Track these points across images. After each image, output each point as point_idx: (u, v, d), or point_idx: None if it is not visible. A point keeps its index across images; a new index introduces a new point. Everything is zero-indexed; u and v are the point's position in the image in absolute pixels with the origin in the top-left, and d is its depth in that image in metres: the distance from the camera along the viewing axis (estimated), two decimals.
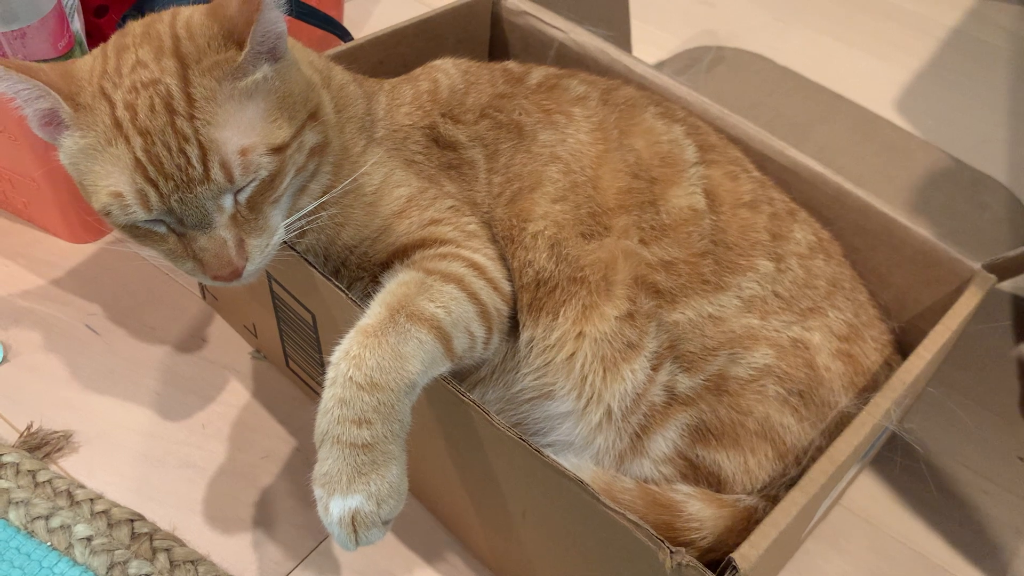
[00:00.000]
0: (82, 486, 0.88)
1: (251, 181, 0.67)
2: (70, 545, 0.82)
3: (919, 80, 1.65)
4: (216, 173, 0.64)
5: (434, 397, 0.73)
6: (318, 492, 0.64)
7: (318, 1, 1.21)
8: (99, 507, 0.85)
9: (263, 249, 0.69)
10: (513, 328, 0.81)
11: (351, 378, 0.64)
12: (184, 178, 0.64)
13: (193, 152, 0.64)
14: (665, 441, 0.77)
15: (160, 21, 0.69)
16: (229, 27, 0.66)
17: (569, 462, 0.72)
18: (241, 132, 0.65)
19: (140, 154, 0.64)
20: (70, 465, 0.91)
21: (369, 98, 0.85)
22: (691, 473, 0.77)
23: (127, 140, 0.64)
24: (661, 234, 0.82)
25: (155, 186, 0.64)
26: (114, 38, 0.70)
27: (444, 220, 0.79)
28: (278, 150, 0.67)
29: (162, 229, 0.68)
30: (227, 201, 0.67)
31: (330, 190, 0.76)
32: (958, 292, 0.85)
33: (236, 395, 1.00)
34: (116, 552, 0.82)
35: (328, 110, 0.76)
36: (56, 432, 0.93)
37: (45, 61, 0.90)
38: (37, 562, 0.81)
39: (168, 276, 1.12)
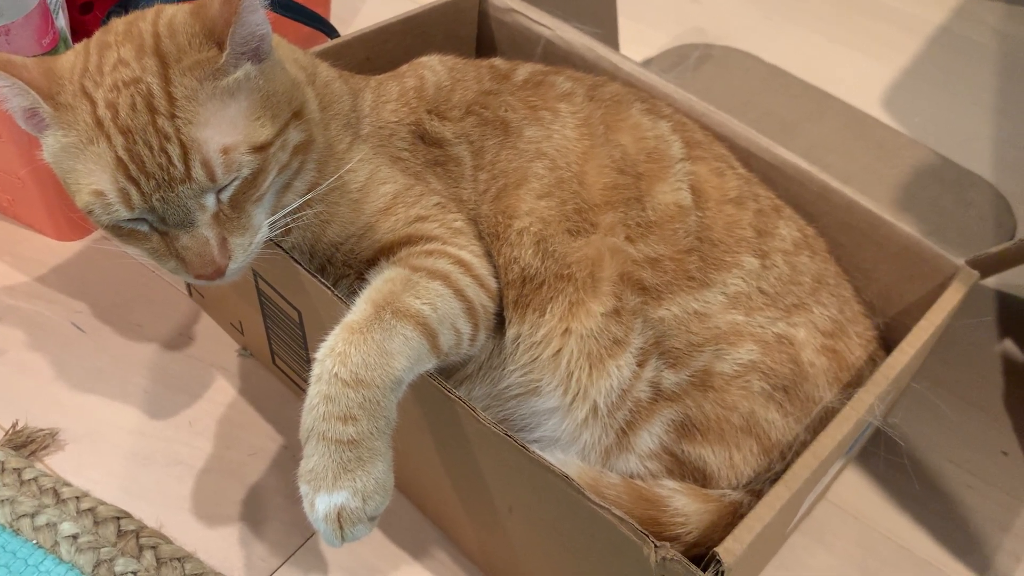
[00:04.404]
0: (68, 484, 0.87)
1: (233, 180, 0.66)
2: (56, 543, 0.82)
3: (907, 78, 1.65)
4: (197, 172, 0.64)
5: (420, 393, 0.73)
6: (304, 488, 0.64)
7: None
8: (85, 505, 0.85)
9: (246, 248, 0.69)
10: (499, 325, 0.81)
11: (336, 374, 0.64)
12: (165, 177, 0.64)
13: (174, 151, 0.64)
14: (651, 436, 0.77)
15: (143, 19, 0.69)
16: (210, 27, 0.66)
17: (555, 458, 0.73)
18: (223, 131, 0.65)
19: (121, 153, 0.64)
20: (56, 463, 0.91)
21: (355, 95, 0.85)
22: (677, 468, 0.77)
23: (108, 139, 0.64)
24: (647, 231, 0.82)
25: (137, 185, 0.64)
26: (97, 35, 0.70)
27: (430, 217, 0.80)
28: (261, 149, 0.67)
29: (145, 228, 0.68)
30: (209, 200, 0.67)
31: (315, 187, 0.76)
32: (942, 288, 0.86)
33: (223, 392, 1.00)
34: (102, 550, 0.82)
35: (313, 108, 0.76)
36: (42, 430, 0.93)
37: None
38: (23, 560, 0.81)
39: (154, 274, 1.11)
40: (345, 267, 0.80)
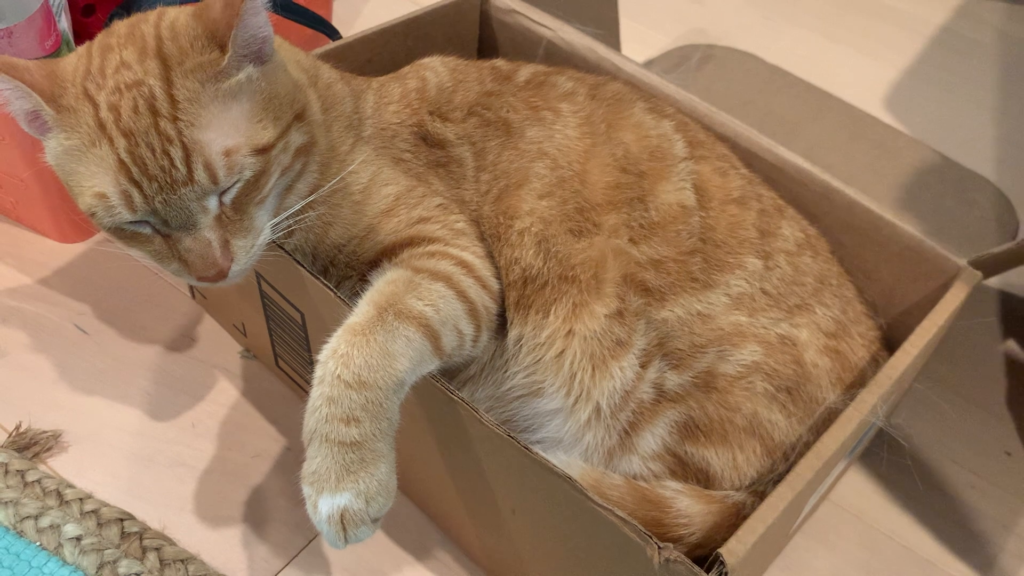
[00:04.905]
0: (71, 485, 0.87)
1: (235, 182, 0.67)
2: (59, 545, 0.82)
3: (908, 78, 1.65)
4: (200, 174, 0.64)
5: (423, 395, 0.73)
6: (307, 490, 0.64)
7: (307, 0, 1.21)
8: (88, 506, 0.85)
9: (248, 250, 0.69)
10: (502, 326, 0.81)
11: (339, 376, 0.64)
12: (168, 179, 0.64)
13: (176, 153, 0.64)
14: (654, 438, 0.77)
15: (145, 22, 0.69)
16: (212, 29, 0.66)
17: (558, 459, 0.73)
18: (225, 133, 0.65)
19: (124, 155, 0.64)
20: (59, 465, 0.91)
21: (357, 96, 0.85)
22: (680, 470, 0.77)
23: (111, 141, 0.64)
24: (650, 232, 0.82)
25: (139, 187, 0.64)
26: (99, 37, 0.70)
27: (432, 218, 0.80)
28: (263, 151, 0.67)
29: (147, 230, 0.68)
30: (211, 202, 0.67)
31: (317, 189, 0.76)
32: (944, 288, 0.85)
33: (226, 394, 1.00)
34: (106, 551, 0.82)
35: (315, 110, 0.76)
36: (45, 432, 0.93)
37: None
38: (26, 562, 0.81)
39: (157, 276, 1.11)
40: (347, 269, 0.80)
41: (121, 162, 0.64)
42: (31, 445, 0.91)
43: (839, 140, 1.46)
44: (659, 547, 0.61)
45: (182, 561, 0.82)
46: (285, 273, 0.80)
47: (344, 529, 0.63)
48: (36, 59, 0.93)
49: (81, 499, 0.86)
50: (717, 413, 0.77)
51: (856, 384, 0.80)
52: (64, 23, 1.00)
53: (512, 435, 0.67)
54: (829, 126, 1.48)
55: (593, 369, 0.77)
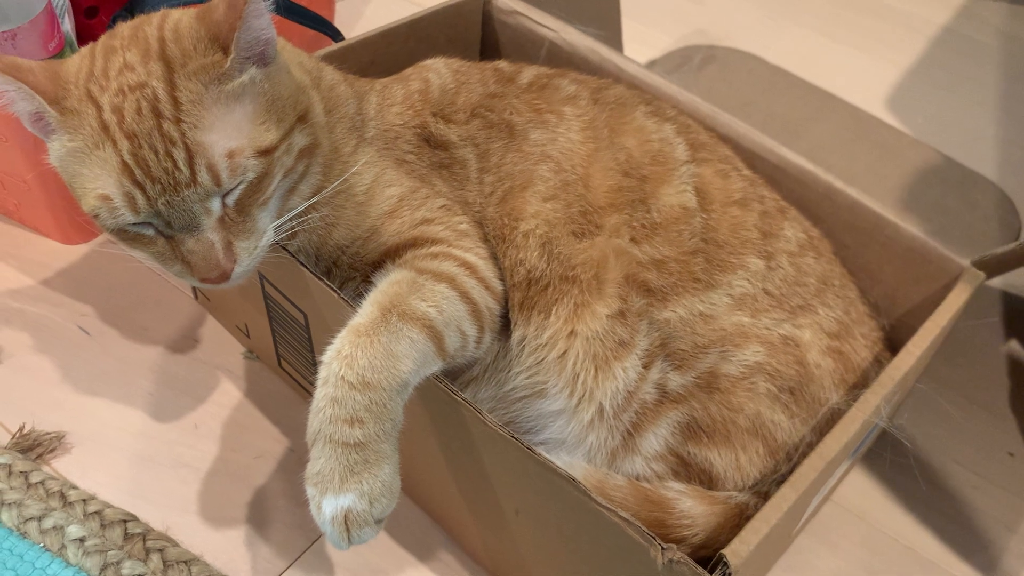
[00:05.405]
0: (75, 487, 0.88)
1: (238, 184, 0.67)
2: (63, 546, 0.82)
3: (910, 78, 1.65)
4: (203, 176, 0.64)
5: (427, 396, 0.73)
6: (310, 491, 0.64)
7: (309, 1, 1.21)
8: (92, 508, 0.85)
9: (251, 251, 0.69)
10: (505, 327, 0.81)
11: (343, 377, 0.64)
12: (171, 181, 0.64)
13: (180, 155, 0.64)
14: (657, 438, 0.77)
15: (148, 23, 0.69)
16: (215, 31, 0.66)
17: (561, 460, 0.73)
18: (228, 135, 0.65)
19: (127, 157, 0.64)
20: (63, 466, 0.91)
21: (360, 98, 0.85)
22: (683, 470, 0.77)
23: (114, 143, 0.64)
24: (652, 233, 0.82)
25: (142, 189, 0.64)
26: (103, 39, 0.70)
27: (436, 219, 0.80)
28: (266, 152, 0.67)
29: (150, 232, 0.68)
30: (214, 204, 0.67)
31: (320, 191, 0.76)
32: (947, 288, 0.86)
33: (229, 395, 1.00)
34: (109, 553, 0.82)
35: (318, 111, 0.76)
36: (48, 433, 0.93)
37: None
38: (30, 563, 0.81)
39: (160, 277, 1.12)
40: (351, 270, 0.80)
41: (124, 164, 0.64)
42: (34, 447, 0.91)
43: (841, 141, 1.46)
44: (662, 548, 0.61)
45: (185, 562, 0.82)
46: (288, 274, 0.80)
47: (348, 530, 0.63)
48: (40, 61, 0.93)
49: (84, 500, 0.86)
50: (720, 414, 0.77)
51: (859, 385, 0.80)
52: (67, 25, 1.00)
53: (515, 436, 0.67)
54: (831, 127, 1.49)
55: (596, 370, 0.78)
